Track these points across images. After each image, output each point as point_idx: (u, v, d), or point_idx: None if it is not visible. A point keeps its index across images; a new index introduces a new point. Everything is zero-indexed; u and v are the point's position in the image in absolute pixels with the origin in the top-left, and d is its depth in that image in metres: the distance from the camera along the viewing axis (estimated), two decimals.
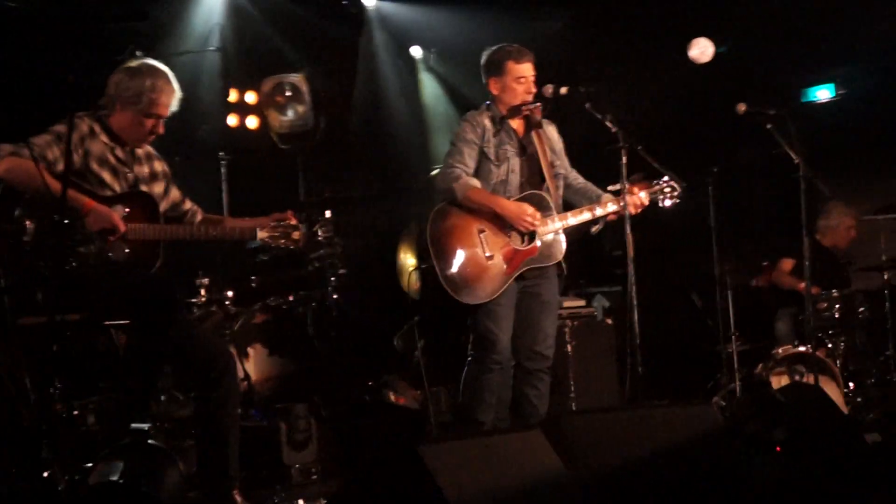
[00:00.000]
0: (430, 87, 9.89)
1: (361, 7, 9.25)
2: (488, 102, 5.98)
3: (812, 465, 4.86)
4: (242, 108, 8.72)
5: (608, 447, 4.34)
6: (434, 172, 8.54)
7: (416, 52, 9.76)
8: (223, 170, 7.97)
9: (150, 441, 4.21)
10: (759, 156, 9.14)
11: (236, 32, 8.35)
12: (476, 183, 5.76)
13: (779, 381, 7.28)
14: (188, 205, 5.40)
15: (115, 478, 3.85)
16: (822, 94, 9.74)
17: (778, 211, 8.98)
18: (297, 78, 8.77)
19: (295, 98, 8.78)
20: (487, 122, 5.87)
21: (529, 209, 5.71)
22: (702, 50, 9.44)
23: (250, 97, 8.75)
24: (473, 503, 3.76)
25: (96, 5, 6.86)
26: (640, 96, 9.12)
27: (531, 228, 5.72)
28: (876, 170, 9.55)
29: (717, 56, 9.37)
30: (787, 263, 8.21)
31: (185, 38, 7.74)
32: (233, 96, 8.67)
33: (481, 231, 5.76)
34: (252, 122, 8.75)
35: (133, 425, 4.25)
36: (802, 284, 7.95)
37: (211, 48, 7.36)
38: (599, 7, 9.54)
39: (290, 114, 8.78)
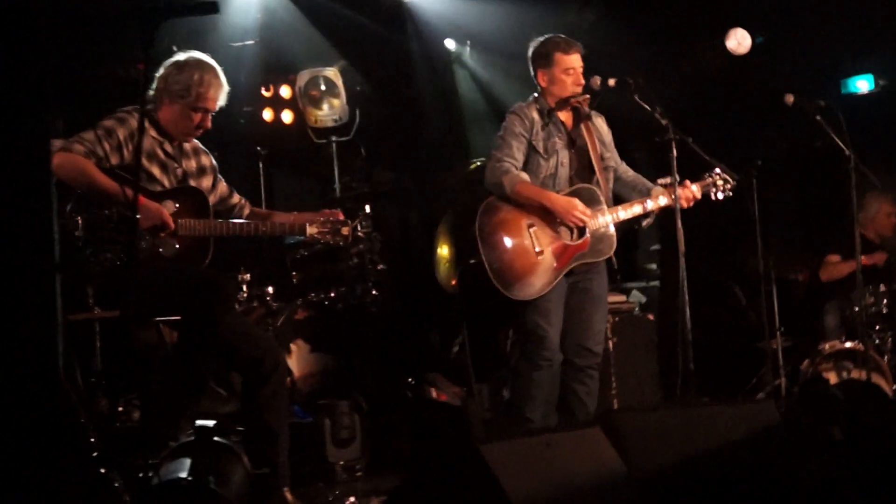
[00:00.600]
0: (464, 81, 9.84)
1: (396, 0, 9.20)
2: (536, 95, 5.94)
3: (870, 463, 4.81)
4: (277, 103, 8.70)
5: (667, 445, 4.30)
6: (473, 166, 8.53)
7: (449, 44, 9.71)
8: (260, 163, 7.93)
9: (216, 438, 4.19)
10: (801, 147, 9.15)
11: (272, 26, 8.32)
12: (525, 177, 5.72)
13: (826, 378, 7.23)
14: (236, 198, 5.40)
15: (182, 475, 3.83)
16: (862, 84, 9.64)
17: (821, 204, 8.94)
18: (331, 72, 8.75)
19: (329, 92, 8.76)
20: (535, 115, 5.83)
21: (579, 204, 5.67)
22: (739, 41, 9.45)
23: (285, 91, 8.73)
24: (535, 502, 3.73)
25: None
26: (677, 88, 9.04)
27: (581, 224, 5.69)
28: None
29: (754, 47, 9.39)
30: (834, 258, 8.15)
31: (223, 32, 7.71)
32: (267, 91, 8.65)
33: (531, 226, 5.72)
34: (287, 116, 8.74)
35: (198, 422, 4.22)
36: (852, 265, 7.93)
37: (248, 42, 7.33)
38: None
39: (326, 108, 8.76)
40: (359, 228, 5.65)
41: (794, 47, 9.67)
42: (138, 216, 4.51)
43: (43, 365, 2.46)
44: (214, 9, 3.16)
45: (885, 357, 7.35)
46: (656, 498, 4.09)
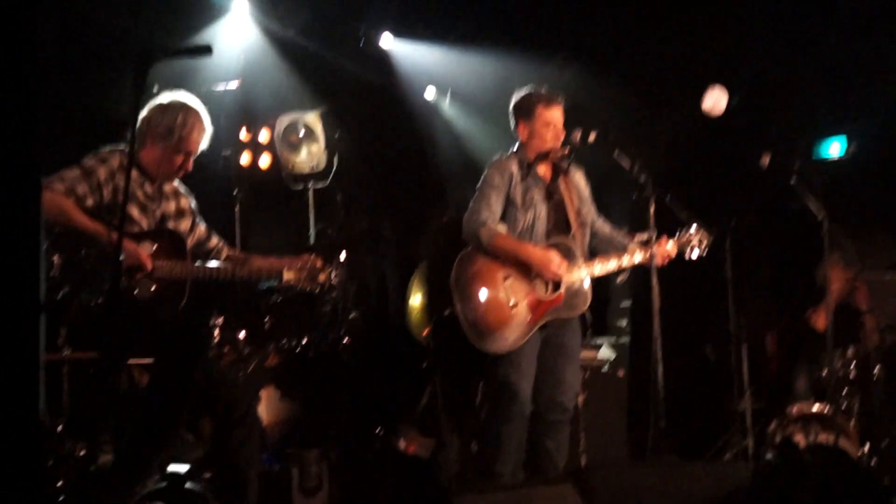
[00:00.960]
0: (443, 129, 9.90)
1: (377, 47, 9.27)
2: (515, 147, 5.98)
3: None
4: (255, 147, 8.72)
5: (637, 502, 4.33)
6: (448, 217, 8.56)
7: (430, 93, 9.78)
8: (236, 207, 7.94)
9: (187, 484, 4.17)
10: (775, 209, 9.23)
11: (253, 70, 8.36)
12: (502, 229, 5.75)
13: (796, 442, 7.25)
14: (214, 241, 5.40)
15: None
16: (835, 148, 9.76)
17: (794, 267, 8.99)
18: (311, 117, 8.78)
19: (308, 138, 8.79)
20: (514, 168, 5.87)
21: (556, 258, 5.69)
22: (715, 101, 9.56)
23: (263, 135, 8.75)
24: None
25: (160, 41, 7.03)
26: (653, 145, 9.14)
27: (557, 278, 5.71)
28: (890, 227, 9.58)
29: (729, 107, 9.49)
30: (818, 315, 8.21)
31: (206, 74, 7.74)
32: (245, 135, 8.67)
33: (506, 278, 5.74)
34: (265, 160, 8.76)
35: (170, 468, 4.20)
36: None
37: (231, 86, 7.36)
38: (611, 55, 9.60)
39: (304, 154, 8.80)
40: (333, 275, 5.65)
41: (769, 110, 9.81)
42: (124, 256, 4.50)
43: (23, 405, 2.45)
44: (208, 52, 3.19)
45: (852, 421, 7.38)
46: None
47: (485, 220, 5.72)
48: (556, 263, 5.68)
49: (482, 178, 5.90)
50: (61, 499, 4.00)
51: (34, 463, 2.53)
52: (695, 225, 6.00)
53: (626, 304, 9.55)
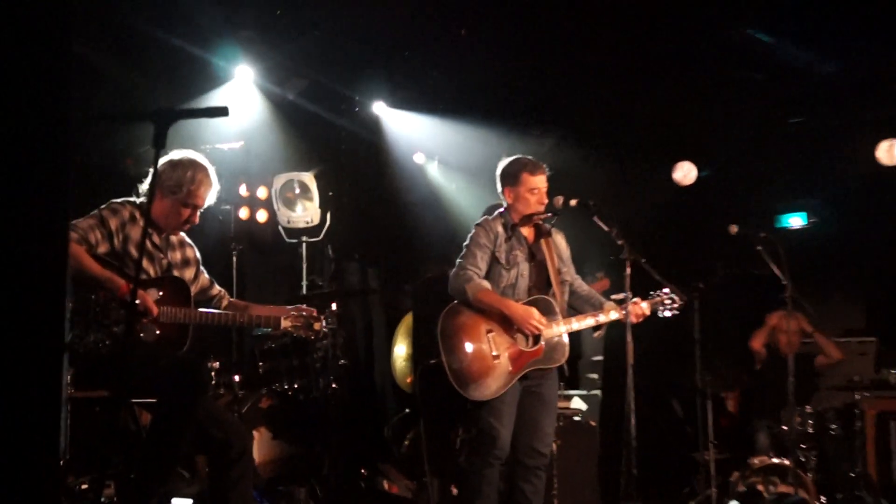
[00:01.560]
0: (430, 191, 9.97)
1: (371, 114, 9.35)
2: (501, 210, 6.02)
3: None
4: (253, 202, 8.76)
5: None
6: (431, 273, 8.60)
7: (419, 158, 9.85)
8: (234, 258, 7.95)
9: None
10: (740, 274, 9.28)
11: (255, 132, 8.41)
12: (486, 285, 5.78)
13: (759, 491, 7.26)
14: (216, 290, 5.41)
15: None
16: (795, 221, 9.87)
17: (756, 328, 9.06)
18: (307, 176, 8.83)
19: (304, 195, 8.84)
20: (500, 229, 5.91)
21: (536, 313, 5.72)
22: (685, 173, 9.71)
23: (262, 192, 8.80)
24: None
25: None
26: (630, 212, 9.22)
27: (536, 332, 5.73)
28: (844, 295, 9.68)
29: (699, 180, 9.62)
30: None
31: (210, 134, 7.79)
32: (245, 191, 8.71)
33: (489, 331, 5.76)
34: (262, 215, 8.80)
35: (174, 500, 4.18)
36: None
37: (233, 145, 7.41)
38: (590, 129, 9.71)
39: (299, 210, 8.83)
40: (324, 325, 5.66)
41: (736, 183, 9.92)
42: (137, 301, 4.49)
43: (44, 444, 2.44)
44: (224, 113, 3.21)
45: (809, 474, 7.40)
46: None
47: (471, 277, 5.76)
48: (536, 318, 5.70)
49: (469, 237, 5.94)
50: None
51: (52, 496, 2.52)
52: (668, 287, 6.04)
53: (597, 358, 9.58)
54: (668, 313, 6.05)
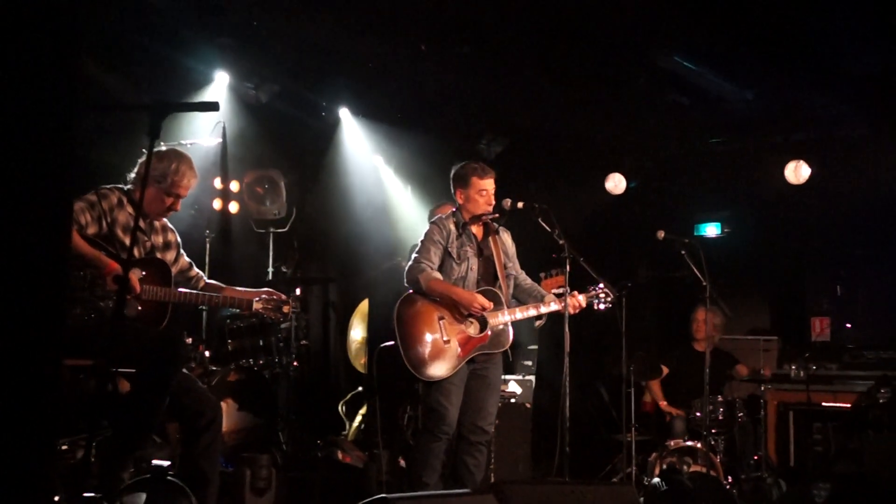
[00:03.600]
0: (387, 191, 9.93)
1: (337, 117, 9.29)
2: (454, 209, 6.00)
3: None
4: (226, 195, 8.64)
5: None
6: (388, 265, 8.56)
7: (378, 160, 9.81)
8: (207, 245, 7.84)
9: (169, 476, 4.07)
10: (662, 275, 9.37)
11: (230, 131, 8.31)
12: (438, 275, 5.75)
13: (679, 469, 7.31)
14: (194, 272, 5.34)
15: None
16: (711, 230, 9.96)
17: (675, 323, 9.13)
18: (275, 173, 8.75)
19: (272, 190, 8.75)
20: (452, 226, 5.88)
21: (479, 297, 5.71)
22: (616, 183, 9.75)
23: (234, 186, 8.69)
24: None
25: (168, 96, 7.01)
26: (564, 217, 9.25)
27: (480, 313, 5.72)
28: (751, 298, 9.78)
29: (628, 190, 9.67)
30: (663, 373, 8.29)
31: (189, 131, 7.68)
32: (219, 184, 8.60)
33: (441, 318, 5.73)
34: (233, 207, 8.69)
35: (154, 461, 4.10)
36: (663, 403, 8.14)
37: (213, 141, 7.32)
38: (532, 140, 9.72)
39: (267, 203, 8.75)
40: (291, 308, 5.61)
41: (660, 194, 10.00)
42: (128, 277, 4.39)
43: (43, 403, 2.38)
44: (215, 107, 3.15)
45: (718, 456, 7.47)
46: None
47: (424, 268, 5.73)
48: (480, 300, 5.69)
49: (425, 233, 5.91)
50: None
51: (47, 456, 2.45)
52: (602, 283, 6.05)
53: (532, 347, 9.58)
54: (602, 306, 6.07)
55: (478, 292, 5.80)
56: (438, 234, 5.85)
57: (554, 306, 5.88)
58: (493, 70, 8.23)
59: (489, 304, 5.74)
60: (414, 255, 5.86)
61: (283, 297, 5.30)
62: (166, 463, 4.14)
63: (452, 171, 6.05)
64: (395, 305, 5.75)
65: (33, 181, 2.37)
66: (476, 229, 5.97)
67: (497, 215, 5.97)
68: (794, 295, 9.81)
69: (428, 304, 5.75)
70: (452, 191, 6.02)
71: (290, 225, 8.85)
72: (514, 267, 6.11)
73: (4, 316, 2.28)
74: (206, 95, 8.01)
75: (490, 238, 5.98)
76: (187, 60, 7.87)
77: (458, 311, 5.76)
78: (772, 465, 8.03)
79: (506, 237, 6.13)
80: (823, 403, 8.16)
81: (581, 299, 5.95)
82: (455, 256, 5.84)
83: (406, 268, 5.88)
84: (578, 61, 8.01)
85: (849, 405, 7.96)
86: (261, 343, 7.36)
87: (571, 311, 5.80)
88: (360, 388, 8.62)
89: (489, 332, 5.78)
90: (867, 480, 6.49)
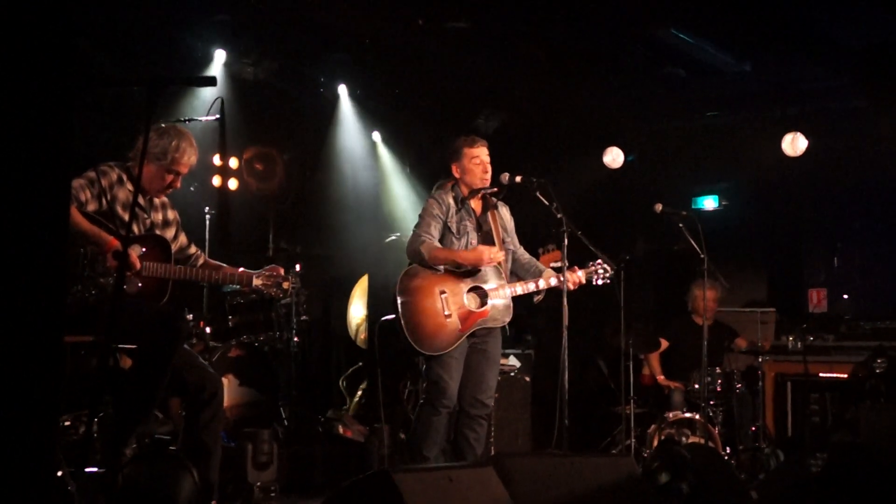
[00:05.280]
0: (386, 167, 9.90)
1: (335, 93, 9.25)
2: (452, 184, 5.97)
3: None
4: (226, 172, 8.60)
5: (548, 487, 4.30)
6: (389, 239, 8.54)
7: (376, 136, 9.78)
8: (207, 222, 7.81)
9: (171, 449, 4.07)
10: (660, 248, 9.36)
11: (229, 108, 8.25)
12: (438, 245, 5.73)
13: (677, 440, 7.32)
14: (193, 249, 5.30)
15: (141, 481, 3.71)
16: (708, 203, 9.95)
17: (673, 296, 9.13)
18: (275, 149, 8.73)
19: (271, 167, 8.72)
20: (451, 201, 5.85)
21: (486, 250, 5.67)
22: (613, 157, 9.72)
23: (233, 162, 8.65)
24: None
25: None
26: (562, 192, 9.23)
27: (496, 261, 5.69)
28: (749, 270, 9.78)
29: (625, 163, 9.65)
30: (662, 346, 8.30)
31: (189, 108, 7.63)
32: (218, 161, 8.55)
33: (442, 292, 5.71)
34: (233, 183, 8.65)
35: (156, 435, 4.10)
36: (661, 378, 8.14)
37: (212, 118, 7.26)
38: (529, 115, 9.69)
39: (267, 180, 8.72)
40: (291, 284, 5.58)
41: (658, 167, 9.99)
42: (128, 253, 4.39)
43: (46, 382, 2.36)
44: (212, 82, 3.12)
45: (717, 427, 7.48)
46: None
47: (425, 240, 5.70)
48: (490, 252, 5.65)
49: (424, 207, 5.87)
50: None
51: (50, 432, 2.44)
52: (601, 258, 6.04)
53: (532, 321, 9.58)
54: (601, 281, 6.05)
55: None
56: (437, 208, 5.82)
57: (554, 282, 5.85)
58: (490, 45, 8.19)
59: (499, 254, 5.71)
60: (414, 229, 5.84)
61: (282, 272, 5.26)
62: (168, 437, 4.13)
63: (448, 150, 6.03)
64: (397, 279, 5.73)
65: (32, 159, 2.34)
66: (475, 204, 5.93)
67: (496, 190, 5.94)
68: (792, 267, 9.82)
69: (430, 277, 5.73)
70: (449, 167, 5.97)
71: (289, 201, 8.81)
72: (513, 242, 6.08)
73: (4, 294, 2.26)
74: (205, 73, 7.96)
75: (489, 213, 5.94)
76: (185, 38, 7.82)
77: (460, 286, 5.73)
78: (769, 436, 8.06)
79: (504, 212, 6.10)
80: (821, 374, 8.17)
81: (580, 275, 5.93)
82: (454, 231, 5.81)
83: (408, 241, 5.86)
84: (575, 35, 7.99)
85: (846, 375, 7.98)
86: (262, 319, 7.35)
87: (571, 287, 5.78)
88: (360, 364, 8.62)
89: (489, 308, 5.76)
90: (863, 450, 6.50)
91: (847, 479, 4.99)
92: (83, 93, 5.72)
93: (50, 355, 2.31)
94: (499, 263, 5.82)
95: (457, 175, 5.92)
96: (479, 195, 5.93)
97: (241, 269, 5.25)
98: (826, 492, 5.04)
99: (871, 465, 5.03)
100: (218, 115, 6.81)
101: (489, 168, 5.87)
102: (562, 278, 5.74)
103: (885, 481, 4.89)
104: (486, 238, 5.89)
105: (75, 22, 2.47)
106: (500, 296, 5.79)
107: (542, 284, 5.88)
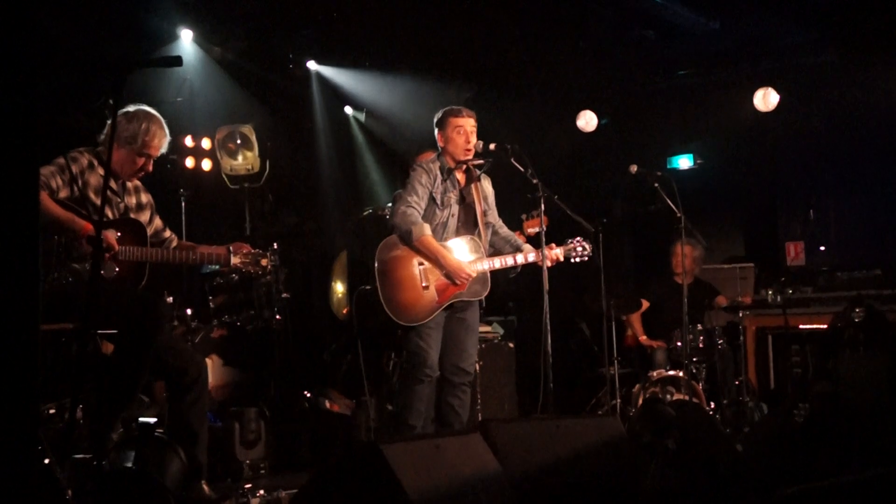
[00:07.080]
0: (359, 140, 9.87)
1: (305, 69, 9.19)
2: (438, 153, 5.95)
3: (696, 469, 4.91)
4: (198, 152, 8.56)
5: (534, 451, 4.33)
6: (365, 213, 8.51)
7: (348, 110, 9.74)
8: (182, 204, 7.77)
9: (157, 432, 4.06)
10: (637, 210, 9.37)
11: (198, 87, 8.21)
12: (429, 231, 5.69)
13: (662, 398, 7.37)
14: (168, 233, 5.27)
15: (128, 464, 3.71)
16: (683, 162, 9.96)
17: (652, 256, 9.16)
18: (246, 128, 8.66)
19: (244, 145, 8.67)
20: (437, 171, 5.83)
21: (467, 267, 5.71)
22: (587, 121, 9.72)
23: (206, 143, 8.60)
24: (427, 496, 3.71)
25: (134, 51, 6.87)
26: (537, 157, 9.22)
27: (465, 283, 5.72)
28: (726, 226, 9.82)
29: (599, 126, 9.65)
30: (643, 307, 8.33)
31: (157, 89, 7.58)
32: (190, 142, 8.51)
33: (420, 264, 5.70)
34: (206, 164, 8.61)
35: (141, 419, 4.10)
36: (643, 338, 8.18)
37: (180, 98, 7.22)
38: (503, 81, 9.66)
39: (240, 159, 8.67)
40: (270, 261, 5.56)
41: (632, 129, 9.98)
42: (102, 237, 4.35)
43: (23, 370, 2.35)
44: (178, 62, 3.10)
45: (700, 383, 7.53)
46: (526, 494, 4.11)
47: (417, 219, 5.66)
48: (467, 271, 5.69)
49: (411, 174, 5.84)
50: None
51: (32, 422, 2.43)
52: (579, 237, 6.05)
53: (512, 288, 9.60)
54: (578, 259, 6.07)
55: (457, 238, 5.79)
56: (425, 176, 5.79)
57: (532, 257, 5.86)
58: (459, 13, 8.15)
59: (475, 272, 5.73)
60: (402, 195, 5.80)
61: (260, 250, 5.24)
62: (153, 420, 4.12)
63: (434, 119, 6.00)
64: (376, 250, 5.72)
65: None
66: (459, 175, 5.91)
67: (481, 162, 5.92)
68: (768, 221, 9.87)
69: (408, 249, 5.72)
70: (436, 136, 5.94)
71: (264, 179, 8.78)
72: (493, 215, 6.07)
73: None
74: (173, 51, 7.89)
75: (472, 185, 5.93)
76: (150, 18, 7.74)
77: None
78: (752, 389, 8.12)
79: (486, 184, 6.07)
80: (801, 326, 8.23)
81: (558, 252, 5.95)
82: (439, 202, 5.79)
83: (393, 211, 5.83)
84: (546, 1, 7.95)
85: (825, 326, 8.03)
86: (242, 298, 7.34)
87: (549, 264, 5.78)
88: (343, 338, 8.62)
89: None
90: (843, 398, 6.57)
91: (830, 428, 5.04)
92: (48, 77, 5.64)
93: (25, 345, 2.30)
94: (479, 235, 5.82)
95: (441, 144, 5.90)
96: (464, 167, 5.91)
97: (216, 246, 5.23)
98: (810, 441, 5.10)
99: (851, 413, 5.09)
100: (188, 97, 6.74)
101: (472, 139, 5.84)
102: (540, 253, 5.74)
103: (866, 428, 4.95)
104: (468, 210, 5.88)
105: (36, 2, 2.44)
106: (479, 269, 5.79)
107: (519, 259, 5.89)
